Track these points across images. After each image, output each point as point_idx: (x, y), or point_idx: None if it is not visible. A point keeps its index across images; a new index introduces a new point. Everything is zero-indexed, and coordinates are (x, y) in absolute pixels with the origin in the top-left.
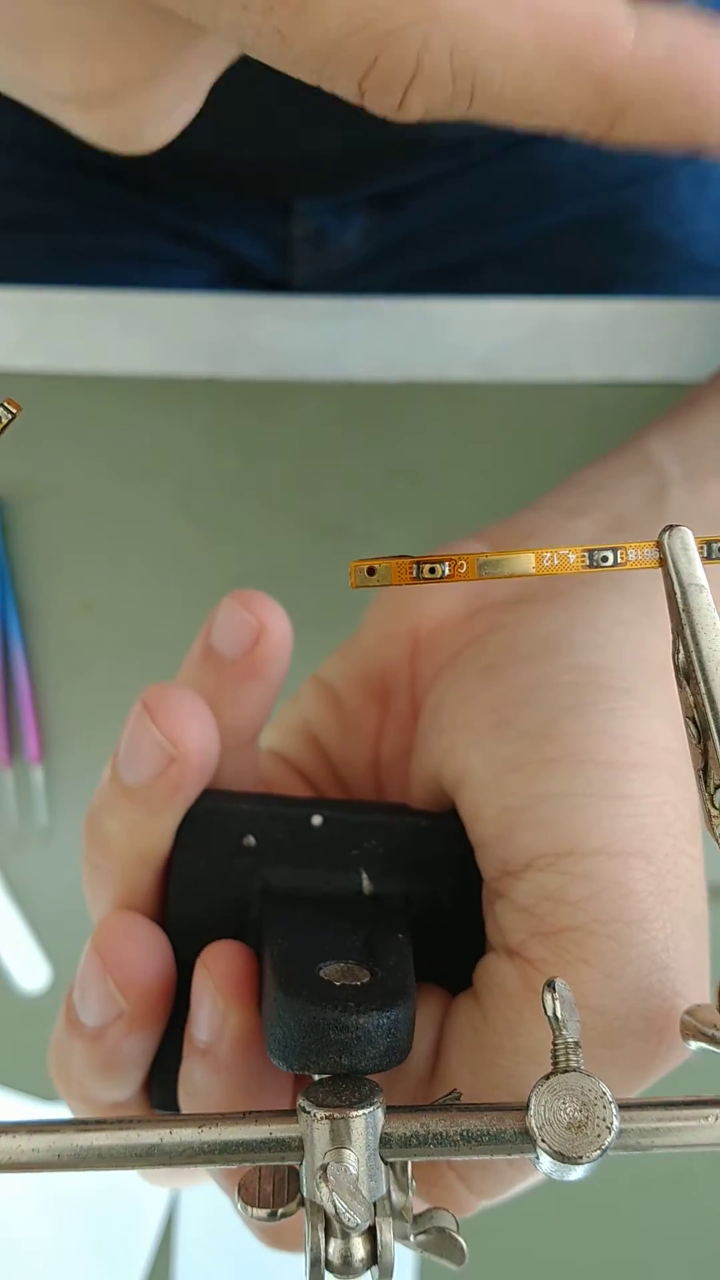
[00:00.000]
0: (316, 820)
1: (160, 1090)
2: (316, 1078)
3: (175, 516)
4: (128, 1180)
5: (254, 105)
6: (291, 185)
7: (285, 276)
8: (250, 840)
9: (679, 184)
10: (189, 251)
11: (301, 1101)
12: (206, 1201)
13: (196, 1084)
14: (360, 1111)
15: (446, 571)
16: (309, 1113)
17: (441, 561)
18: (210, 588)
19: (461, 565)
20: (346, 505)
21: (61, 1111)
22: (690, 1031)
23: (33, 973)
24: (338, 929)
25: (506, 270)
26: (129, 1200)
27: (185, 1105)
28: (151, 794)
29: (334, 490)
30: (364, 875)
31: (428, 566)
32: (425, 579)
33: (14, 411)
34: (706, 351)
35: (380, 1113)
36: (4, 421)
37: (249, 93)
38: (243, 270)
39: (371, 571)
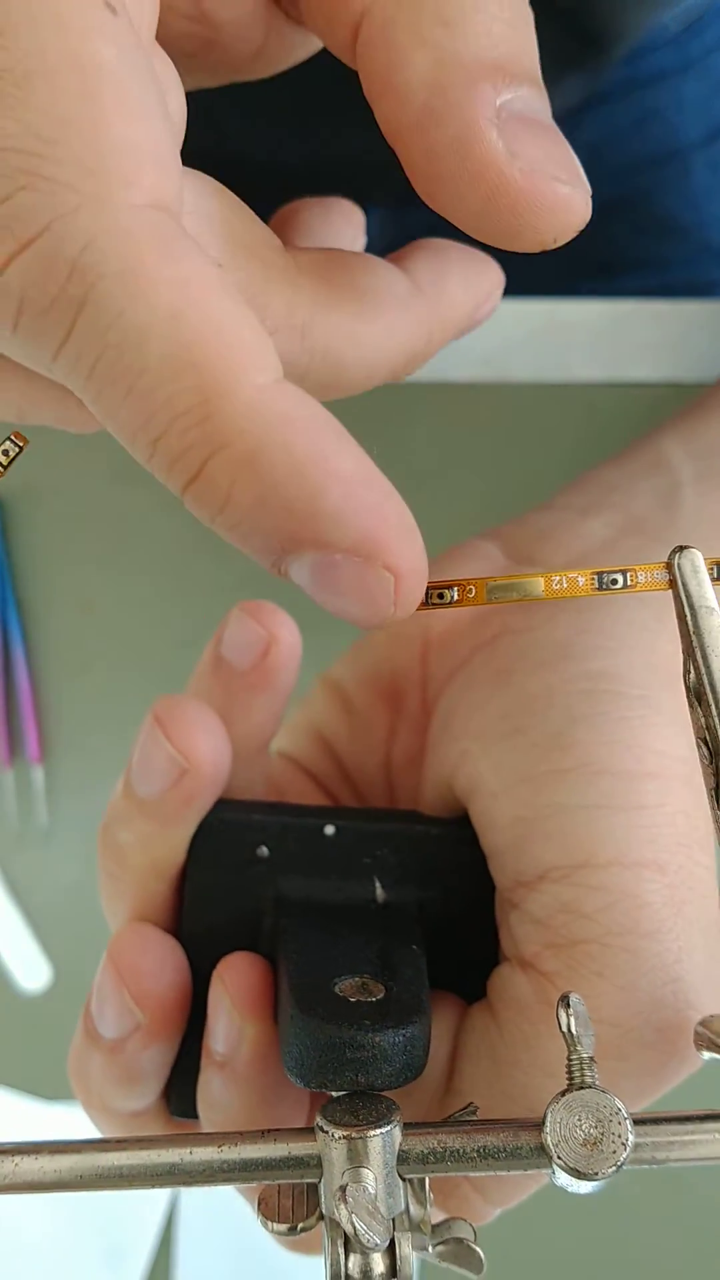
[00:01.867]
0: (329, 830)
1: (179, 1098)
2: (334, 1094)
3: (175, 517)
4: None
5: (286, 111)
6: (314, 192)
7: None
8: (263, 850)
9: (694, 168)
10: None
11: (319, 1120)
12: (207, 1201)
13: (215, 1095)
14: (377, 1131)
15: (455, 597)
16: (327, 1132)
17: (450, 587)
18: (211, 588)
19: (470, 590)
20: None
21: (60, 1114)
22: (704, 1043)
23: (33, 972)
24: (351, 941)
25: (523, 256)
26: (129, 1200)
27: (204, 1115)
28: (164, 806)
29: None
30: (377, 883)
31: (436, 592)
32: (434, 605)
33: (21, 445)
34: (707, 352)
35: (397, 1131)
36: (12, 455)
37: (278, 97)
38: None
39: None
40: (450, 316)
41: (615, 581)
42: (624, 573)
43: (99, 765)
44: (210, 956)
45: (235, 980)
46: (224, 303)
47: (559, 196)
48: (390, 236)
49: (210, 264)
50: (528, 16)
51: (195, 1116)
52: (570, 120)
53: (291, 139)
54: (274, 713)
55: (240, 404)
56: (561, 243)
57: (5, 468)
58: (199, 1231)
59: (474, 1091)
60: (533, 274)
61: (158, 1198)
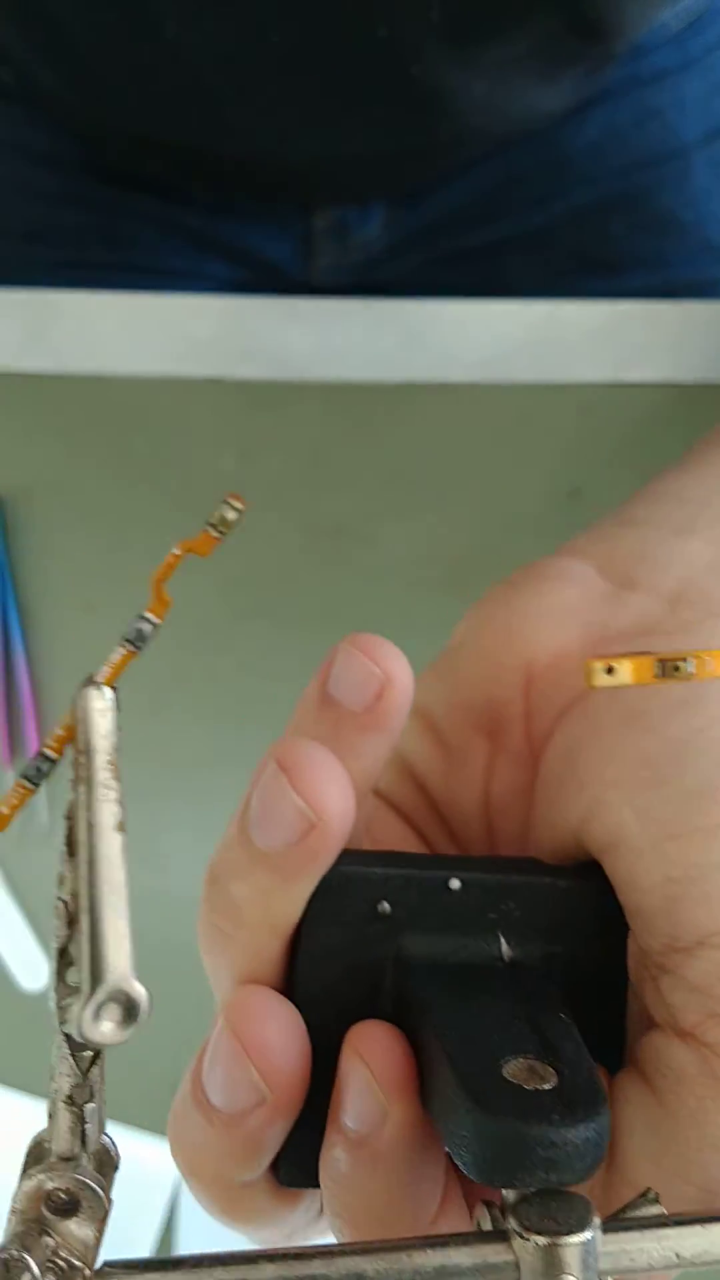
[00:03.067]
0: (455, 884)
1: (290, 1166)
2: (519, 1192)
3: (175, 517)
4: (126, 1177)
5: (280, 112)
6: (318, 188)
7: (306, 272)
8: (385, 906)
9: (694, 166)
10: (205, 263)
11: (514, 1225)
12: None
13: (344, 1170)
14: (580, 1238)
15: (692, 670)
16: (525, 1240)
17: (687, 659)
18: (210, 588)
19: (708, 663)
20: (346, 505)
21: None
22: None
23: (33, 972)
24: (498, 1012)
25: (525, 255)
26: (129, 1198)
27: (329, 1189)
28: (288, 861)
29: (334, 490)
30: (502, 940)
31: (672, 665)
32: (670, 678)
33: (239, 509)
34: (707, 352)
35: (599, 1236)
36: (231, 520)
37: (275, 99)
38: (260, 278)
39: (610, 670)
40: None
41: None
42: None
43: None
44: (324, 1020)
45: (376, 1056)
46: None
47: None
48: (392, 234)
49: None
50: None
51: (308, 1186)
52: (572, 118)
53: (297, 134)
54: (383, 756)
55: None
56: None
57: (223, 533)
58: (199, 1232)
59: (638, 1168)
60: (532, 273)
61: (157, 1200)
